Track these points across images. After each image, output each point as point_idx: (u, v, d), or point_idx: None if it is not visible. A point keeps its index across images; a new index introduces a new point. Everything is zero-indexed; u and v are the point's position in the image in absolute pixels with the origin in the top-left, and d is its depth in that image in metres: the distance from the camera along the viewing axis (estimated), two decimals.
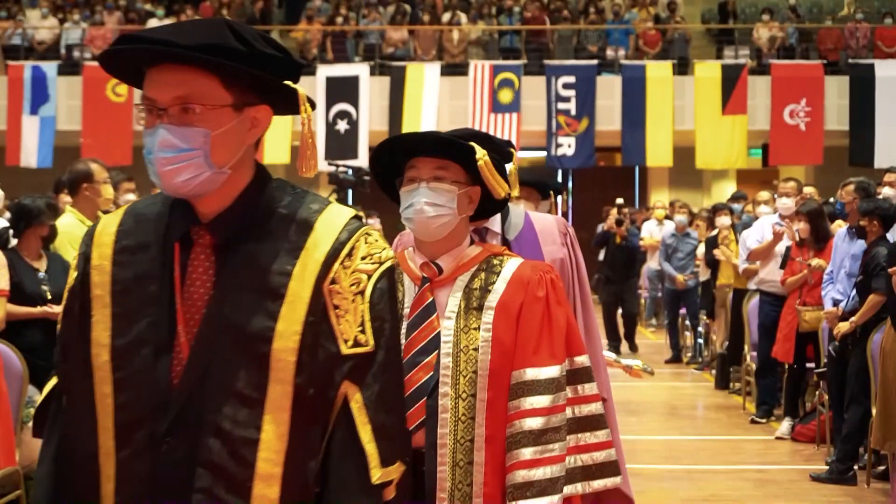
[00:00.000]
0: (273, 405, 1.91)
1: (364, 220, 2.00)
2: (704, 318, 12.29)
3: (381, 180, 2.82)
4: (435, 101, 18.80)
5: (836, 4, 22.15)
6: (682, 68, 19.46)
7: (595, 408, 2.75)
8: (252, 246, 1.95)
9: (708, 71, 19.01)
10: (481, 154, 2.66)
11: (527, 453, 2.56)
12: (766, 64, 19.44)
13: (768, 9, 20.76)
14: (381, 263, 2.00)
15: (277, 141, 18.73)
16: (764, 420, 9.04)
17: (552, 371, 2.61)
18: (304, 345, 1.92)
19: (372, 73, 19.17)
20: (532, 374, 2.60)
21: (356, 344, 1.95)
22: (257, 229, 1.97)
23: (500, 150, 3.27)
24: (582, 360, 2.73)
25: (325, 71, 19.11)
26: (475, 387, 2.59)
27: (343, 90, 18.83)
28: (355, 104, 18.81)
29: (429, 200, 2.64)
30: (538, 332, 2.63)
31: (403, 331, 2.60)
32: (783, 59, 19.56)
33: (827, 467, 7.26)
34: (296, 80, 2.02)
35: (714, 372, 11.34)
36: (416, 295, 2.69)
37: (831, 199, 9.76)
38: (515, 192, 3.38)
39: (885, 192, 8.14)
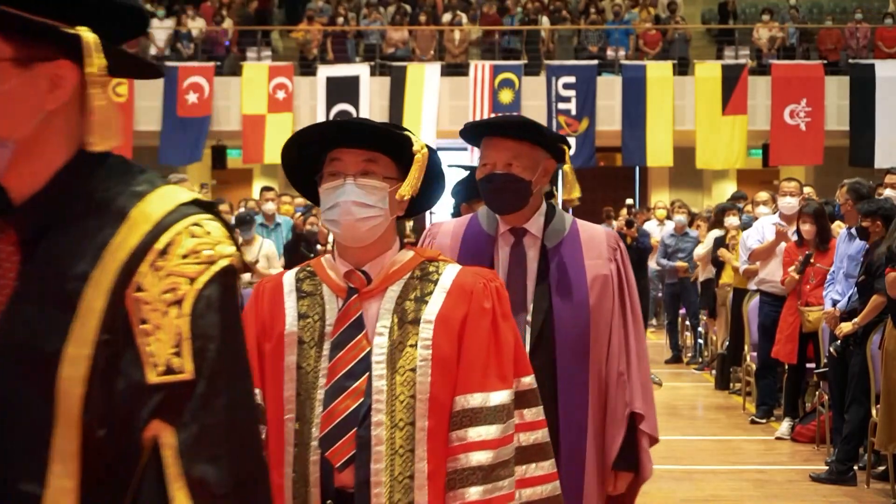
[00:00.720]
0: (60, 452, 1.44)
1: (218, 209, 1.52)
2: (703, 317, 12.30)
3: (295, 176, 2.44)
4: (435, 102, 18.81)
5: (837, 4, 22.16)
6: (683, 68, 19.46)
7: (541, 435, 2.41)
8: (59, 242, 1.48)
9: (708, 71, 19.02)
10: (420, 146, 2.30)
11: (475, 493, 2.21)
12: (766, 64, 19.45)
13: (768, 9, 20.77)
14: (210, 263, 1.47)
15: (277, 141, 18.75)
16: (764, 420, 9.04)
17: (502, 396, 2.27)
18: (95, 371, 1.44)
19: (372, 74, 19.18)
20: (480, 399, 2.24)
21: (168, 370, 1.44)
22: (69, 221, 1.50)
23: (552, 146, 3.04)
24: (529, 380, 2.39)
25: (325, 71, 19.12)
26: (413, 414, 2.22)
27: (343, 90, 18.85)
28: (356, 104, 18.82)
29: (357, 199, 2.27)
30: (486, 351, 2.27)
31: (326, 352, 2.28)
32: (783, 60, 19.56)
33: (827, 468, 7.27)
34: (130, 33, 1.57)
35: (714, 372, 11.35)
36: (340, 309, 2.31)
37: (835, 200, 9.74)
38: (577, 194, 3.18)
39: (887, 193, 8.13)
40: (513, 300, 2.89)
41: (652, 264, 14.51)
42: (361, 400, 2.24)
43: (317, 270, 2.39)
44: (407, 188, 2.30)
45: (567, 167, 3.15)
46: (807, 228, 8.29)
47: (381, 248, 2.34)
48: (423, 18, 20.44)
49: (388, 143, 2.31)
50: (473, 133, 3.08)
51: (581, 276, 3.03)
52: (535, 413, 2.39)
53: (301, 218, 12.15)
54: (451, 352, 2.26)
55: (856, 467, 7.15)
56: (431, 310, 2.28)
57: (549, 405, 2.76)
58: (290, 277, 2.40)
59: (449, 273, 2.34)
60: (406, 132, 2.32)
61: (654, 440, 3.17)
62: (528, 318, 2.99)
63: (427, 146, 2.34)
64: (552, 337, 2.98)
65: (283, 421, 2.29)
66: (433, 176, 2.41)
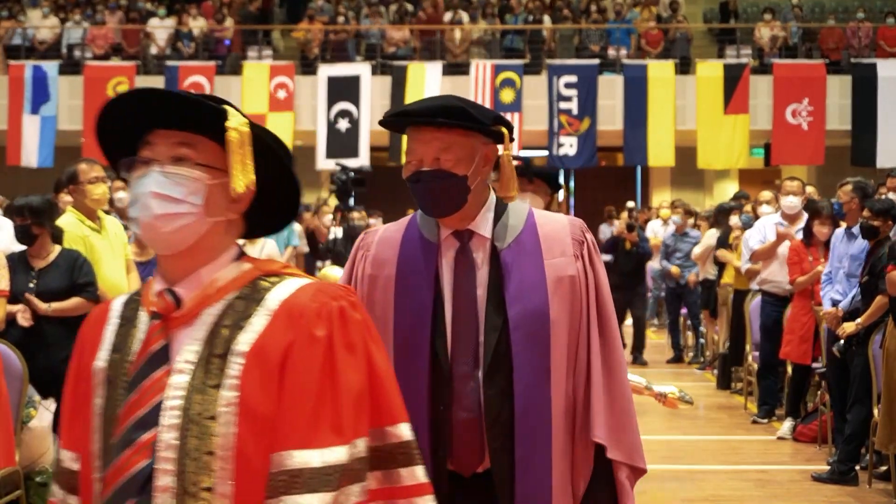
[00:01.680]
0: None
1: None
2: (704, 316, 12.31)
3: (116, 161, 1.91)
4: None
5: (839, 3, 22.13)
6: (684, 68, 19.44)
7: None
8: None
9: (710, 70, 18.99)
10: (237, 123, 1.79)
11: None
12: (767, 63, 19.43)
13: (770, 8, 20.75)
14: None
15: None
16: (765, 420, 9.03)
17: (335, 454, 1.71)
18: None
19: (373, 73, 19.17)
20: (301, 458, 1.70)
21: None
22: None
23: (485, 128, 2.53)
24: (400, 431, 1.82)
25: (326, 70, 19.11)
26: (212, 476, 1.70)
27: (344, 90, 18.84)
28: (356, 103, 18.81)
29: (158, 191, 1.77)
30: (315, 394, 1.72)
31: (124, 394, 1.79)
32: (785, 59, 19.54)
33: (828, 468, 7.25)
34: None
35: (715, 372, 11.34)
36: (143, 339, 1.81)
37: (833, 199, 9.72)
38: (513, 192, 2.61)
39: (890, 196, 8.09)
40: (463, 316, 2.53)
41: (654, 264, 14.51)
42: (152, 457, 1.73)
43: (144, 289, 1.90)
44: (239, 180, 1.79)
45: (506, 154, 2.59)
46: (825, 231, 8.22)
47: (199, 259, 1.81)
48: (422, 15, 20.42)
49: (212, 123, 1.81)
50: (395, 124, 2.65)
51: (540, 279, 2.53)
52: (409, 474, 1.83)
53: (311, 216, 12.18)
54: (267, 395, 1.73)
55: (858, 467, 7.13)
56: (246, 339, 1.75)
57: (508, 439, 2.50)
58: (119, 301, 1.93)
59: (281, 290, 1.80)
60: (224, 105, 1.82)
61: (637, 470, 2.59)
62: (481, 337, 2.51)
63: (256, 125, 1.84)
64: (509, 357, 2.49)
65: (92, 480, 1.83)
66: (275, 170, 1.86)
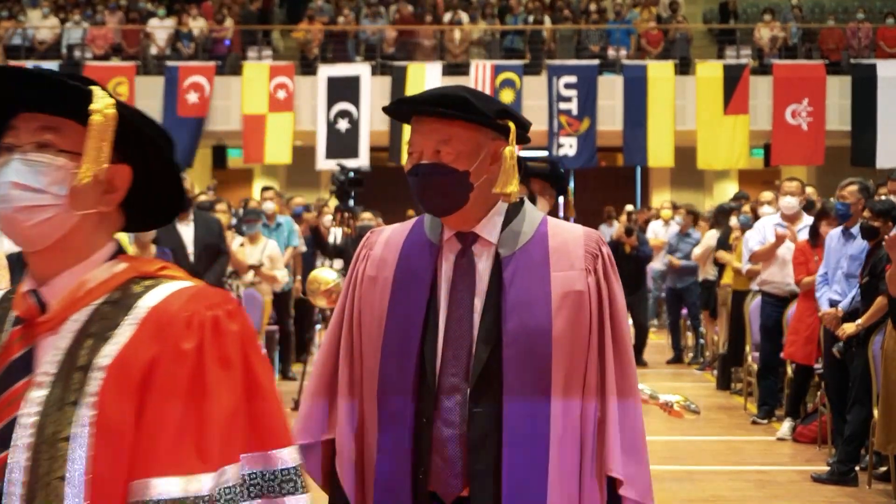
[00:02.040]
0: None
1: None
2: (703, 317, 12.34)
3: None
4: None
5: (839, 4, 22.14)
6: (684, 68, 19.45)
7: None
8: None
9: (709, 71, 19.00)
10: (103, 104, 1.60)
11: None
12: (767, 64, 19.43)
13: (770, 8, 20.75)
14: None
15: (278, 141, 18.74)
16: (765, 421, 9.02)
17: (198, 483, 1.52)
18: None
19: (373, 73, 19.17)
20: (160, 488, 1.51)
21: None
22: None
23: (488, 120, 2.35)
24: (286, 456, 1.63)
25: (326, 71, 19.11)
26: None
27: (344, 90, 18.84)
28: (356, 104, 18.81)
29: (17, 181, 1.58)
30: (178, 415, 1.53)
31: None
32: (785, 59, 19.55)
33: (828, 468, 7.25)
34: None
35: (715, 372, 11.35)
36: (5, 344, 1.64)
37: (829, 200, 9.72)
38: (511, 188, 2.37)
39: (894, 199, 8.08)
40: (456, 325, 2.37)
41: (655, 264, 14.52)
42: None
43: (18, 287, 1.69)
44: (86, 166, 1.59)
45: (508, 150, 2.35)
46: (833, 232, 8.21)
47: (68, 257, 1.62)
48: (428, 18, 20.43)
49: (77, 105, 1.61)
50: (397, 113, 2.51)
51: (544, 293, 2.33)
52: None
53: (315, 216, 12.17)
54: (128, 415, 1.53)
55: (857, 468, 7.13)
56: (109, 351, 1.56)
57: (493, 464, 2.31)
58: None
59: (153, 296, 1.60)
60: (91, 85, 1.62)
61: None
62: (474, 349, 2.35)
63: (127, 107, 1.65)
64: (500, 374, 2.32)
65: None
66: (154, 157, 1.68)
